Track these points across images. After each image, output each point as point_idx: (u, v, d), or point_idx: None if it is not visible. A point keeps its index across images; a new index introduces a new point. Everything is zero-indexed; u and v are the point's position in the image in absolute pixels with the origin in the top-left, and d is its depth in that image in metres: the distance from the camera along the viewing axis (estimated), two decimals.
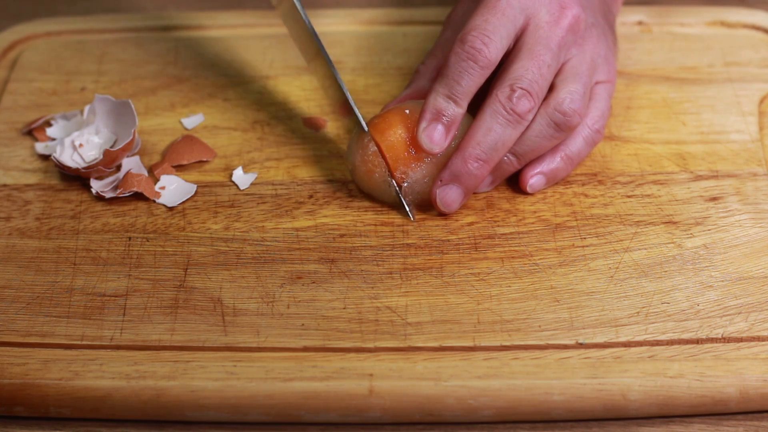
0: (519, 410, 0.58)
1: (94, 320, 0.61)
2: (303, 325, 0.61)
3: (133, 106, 0.70)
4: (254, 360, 0.59)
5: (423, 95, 0.68)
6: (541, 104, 0.65)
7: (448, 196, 0.65)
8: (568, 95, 0.65)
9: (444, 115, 0.64)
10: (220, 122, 0.74)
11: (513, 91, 0.63)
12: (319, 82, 0.71)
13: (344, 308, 0.62)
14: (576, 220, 0.67)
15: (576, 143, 0.68)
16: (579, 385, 0.58)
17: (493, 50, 0.63)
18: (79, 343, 0.60)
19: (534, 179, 0.67)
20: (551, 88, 0.66)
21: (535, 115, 0.65)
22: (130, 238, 0.66)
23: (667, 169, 0.70)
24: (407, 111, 0.67)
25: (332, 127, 0.74)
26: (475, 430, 0.59)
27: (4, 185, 0.70)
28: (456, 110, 0.64)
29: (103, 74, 0.79)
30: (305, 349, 0.60)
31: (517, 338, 0.60)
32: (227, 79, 0.78)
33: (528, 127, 0.65)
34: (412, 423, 0.59)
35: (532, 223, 0.66)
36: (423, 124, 0.64)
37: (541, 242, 0.65)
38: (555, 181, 0.68)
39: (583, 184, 0.69)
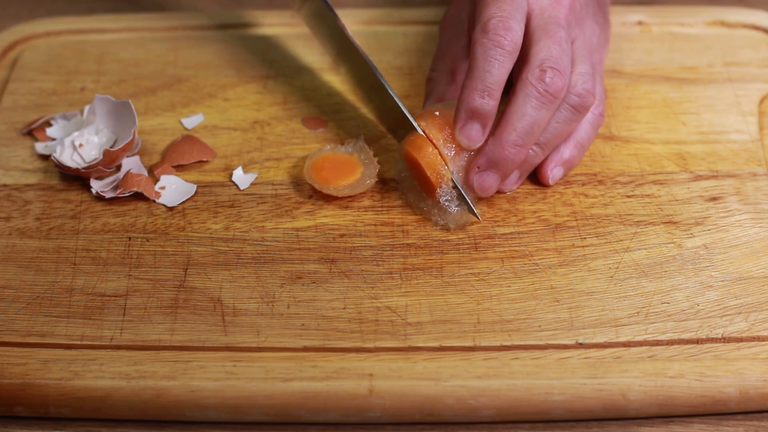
0: (519, 410, 0.58)
1: (94, 320, 0.61)
2: (303, 325, 0.61)
3: (133, 106, 0.70)
4: (254, 360, 0.59)
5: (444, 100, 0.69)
6: None
7: (486, 181, 0.65)
8: (579, 77, 0.66)
9: (479, 112, 0.64)
10: (220, 122, 0.74)
11: (543, 71, 0.64)
12: (353, 85, 0.72)
13: (344, 308, 0.62)
14: (576, 220, 0.67)
15: (584, 129, 0.69)
16: (579, 385, 0.58)
17: (515, 34, 0.64)
18: (79, 343, 0.60)
19: (555, 170, 0.68)
20: None
21: None
22: (130, 238, 0.66)
23: (667, 169, 0.70)
24: (437, 113, 0.67)
25: (332, 127, 0.74)
26: (475, 430, 0.59)
27: (4, 185, 0.70)
28: (490, 103, 0.64)
29: (103, 74, 0.79)
30: (305, 349, 0.60)
31: (517, 338, 0.60)
32: (227, 79, 0.78)
33: None
34: (412, 423, 0.59)
35: (532, 223, 0.66)
36: (459, 124, 0.65)
37: (541, 242, 0.65)
38: (571, 169, 0.69)
39: (583, 184, 0.69)
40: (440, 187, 0.65)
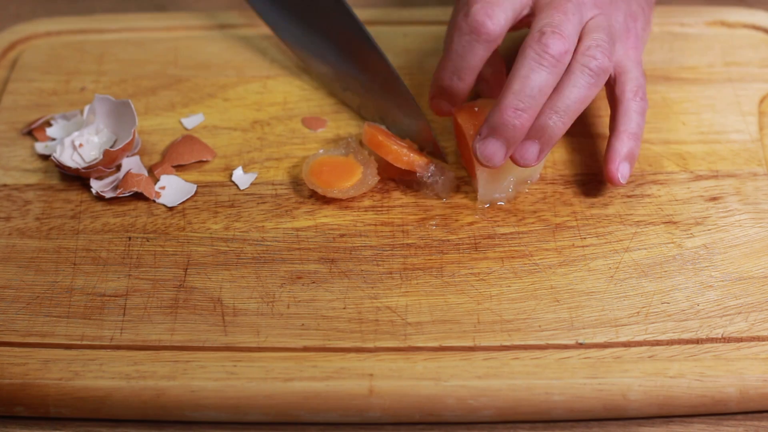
0: (519, 410, 0.58)
1: (94, 320, 0.61)
2: (303, 325, 0.61)
3: (133, 106, 0.70)
4: (254, 360, 0.59)
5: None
6: (572, 57, 0.64)
7: (488, 149, 0.63)
8: (593, 41, 0.64)
9: (448, 92, 0.64)
10: (220, 122, 0.74)
11: (542, 33, 0.62)
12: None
13: (344, 308, 0.62)
14: (576, 220, 0.67)
15: (632, 119, 0.67)
16: (579, 385, 0.58)
17: (496, 23, 0.63)
18: (79, 343, 0.60)
19: (621, 167, 0.66)
20: (577, 41, 0.65)
21: (569, 67, 0.64)
22: (130, 238, 0.66)
23: (667, 169, 0.70)
24: (476, 109, 0.68)
25: (332, 127, 0.74)
26: (475, 430, 0.59)
27: (4, 185, 0.70)
28: (460, 85, 0.64)
29: (103, 74, 0.78)
30: (305, 349, 0.60)
31: (517, 338, 0.60)
32: (227, 79, 0.78)
33: (564, 80, 0.64)
34: (412, 423, 0.59)
35: (532, 223, 0.66)
36: (431, 101, 0.66)
37: (541, 242, 0.65)
38: (635, 160, 0.67)
39: (583, 184, 0.69)
40: (417, 171, 0.67)
